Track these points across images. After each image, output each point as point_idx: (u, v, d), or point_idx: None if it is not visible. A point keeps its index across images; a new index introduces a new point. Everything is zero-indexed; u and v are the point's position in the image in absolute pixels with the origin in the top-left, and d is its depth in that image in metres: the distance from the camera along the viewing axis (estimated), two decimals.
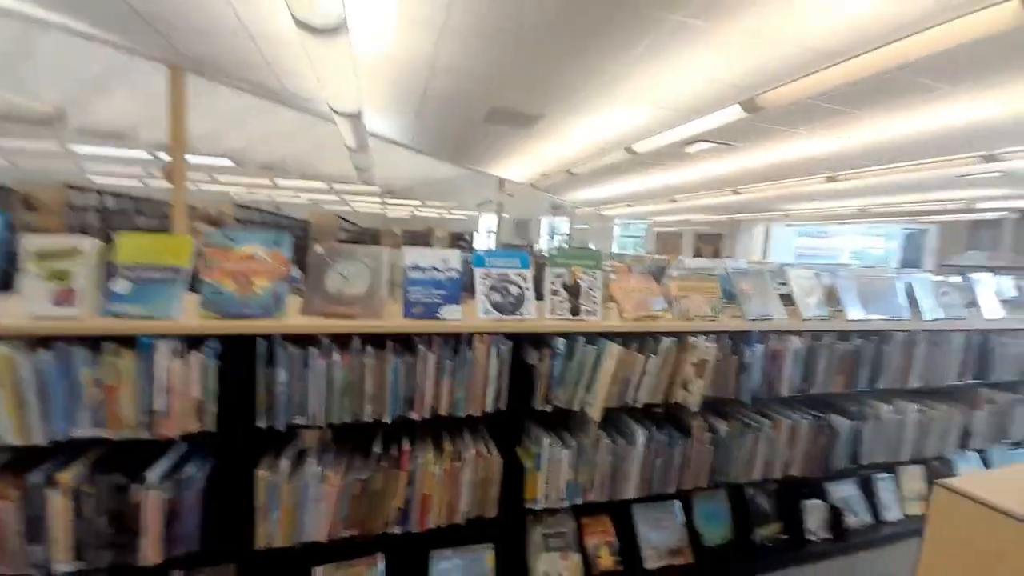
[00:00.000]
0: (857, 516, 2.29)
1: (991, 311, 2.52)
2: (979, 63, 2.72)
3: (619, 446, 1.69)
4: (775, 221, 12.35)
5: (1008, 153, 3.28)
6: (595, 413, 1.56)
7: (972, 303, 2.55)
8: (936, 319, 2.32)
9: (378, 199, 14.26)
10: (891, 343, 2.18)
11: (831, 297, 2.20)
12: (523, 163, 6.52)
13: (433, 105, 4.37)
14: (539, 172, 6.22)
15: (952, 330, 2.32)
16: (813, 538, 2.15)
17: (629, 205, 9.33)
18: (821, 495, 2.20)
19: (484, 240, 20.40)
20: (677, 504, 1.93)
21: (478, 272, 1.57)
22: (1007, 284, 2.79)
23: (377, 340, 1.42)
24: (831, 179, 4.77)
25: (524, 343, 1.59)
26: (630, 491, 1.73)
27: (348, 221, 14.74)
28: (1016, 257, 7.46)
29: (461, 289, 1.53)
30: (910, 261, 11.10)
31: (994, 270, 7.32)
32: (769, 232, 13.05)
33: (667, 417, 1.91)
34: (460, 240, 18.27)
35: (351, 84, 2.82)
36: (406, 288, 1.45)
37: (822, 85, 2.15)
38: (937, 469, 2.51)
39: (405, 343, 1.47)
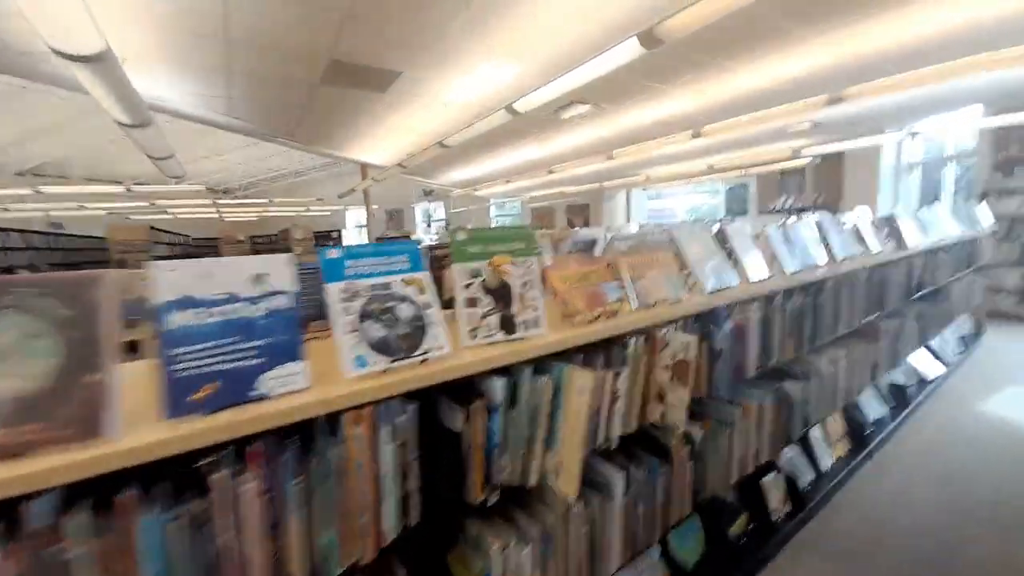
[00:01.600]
0: (803, 477, 2.19)
1: (876, 245, 2.62)
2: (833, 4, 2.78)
3: (595, 508, 1.17)
4: (636, 187, 13.30)
5: (851, 94, 3.59)
6: (568, 486, 0.99)
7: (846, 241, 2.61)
8: (845, 258, 2.28)
9: (208, 201, 11.56)
10: (824, 293, 2.04)
11: (766, 253, 1.97)
12: (386, 140, 5.58)
13: (243, 59, 3.23)
14: (405, 150, 5.35)
15: (857, 269, 2.31)
16: (778, 517, 1.95)
17: (507, 181, 8.96)
18: (774, 467, 2.03)
19: (355, 237, 18.43)
20: (656, 549, 1.50)
21: (333, 290, 0.86)
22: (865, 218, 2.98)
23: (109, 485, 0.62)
24: (696, 135, 4.95)
25: (438, 400, 0.94)
26: (613, 563, 1.23)
27: (169, 232, 11.76)
28: (816, 196, 9.11)
29: (301, 328, 0.81)
30: (735, 211, 12.98)
31: (802, 210, 8.60)
32: (630, 198, 14.07)
33: (637, 439, 1.45)
34: (327, 240, 16.14)
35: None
36: (165, 357, 0.67)
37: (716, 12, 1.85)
38: (849, 407, 2.58)
39: (181, 478, 0.69)
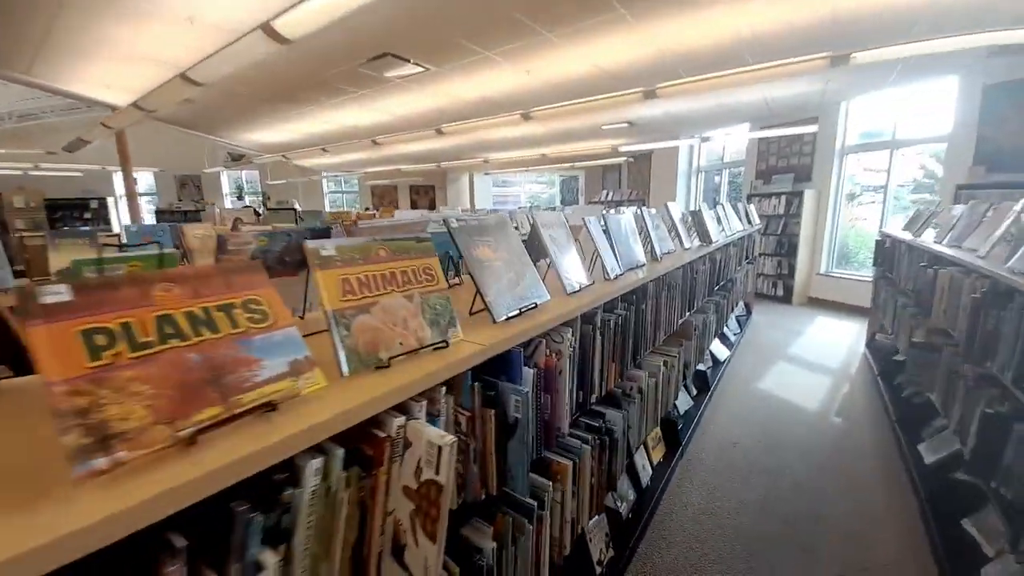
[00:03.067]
0: (626, 504, 1.94)
1: (688, 240, 2.54)
2: None
3: None
4: (477, 171, 13.04)
5: (666, 87, 3.65)
6: None
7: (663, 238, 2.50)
8: (665, 255, 2.09)
9: None
10: (647, 299, 1.75)
11: (586, 251, 1.57)
12: (124, 69, 3.83)
13: None
14: (145, 86, 3.68)
15: (674, 269, 2.14)
16: (602, 558, 1.63)
17: (324, 150, 7.53)
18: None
19: (122, 212, 13.89)
20: None
21: None
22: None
23: None
24: (526, 116, 4.66)
25: None
26: None
27: None
28: (630, 192, 10.18)
29: None
30: (568, 200, 13.95)
31: (619, 203, 9.39)
32: (473, 181, 13.78)
33: None
34: (80, 212, 11.65)
35: None
36: None
37: None
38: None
39: None
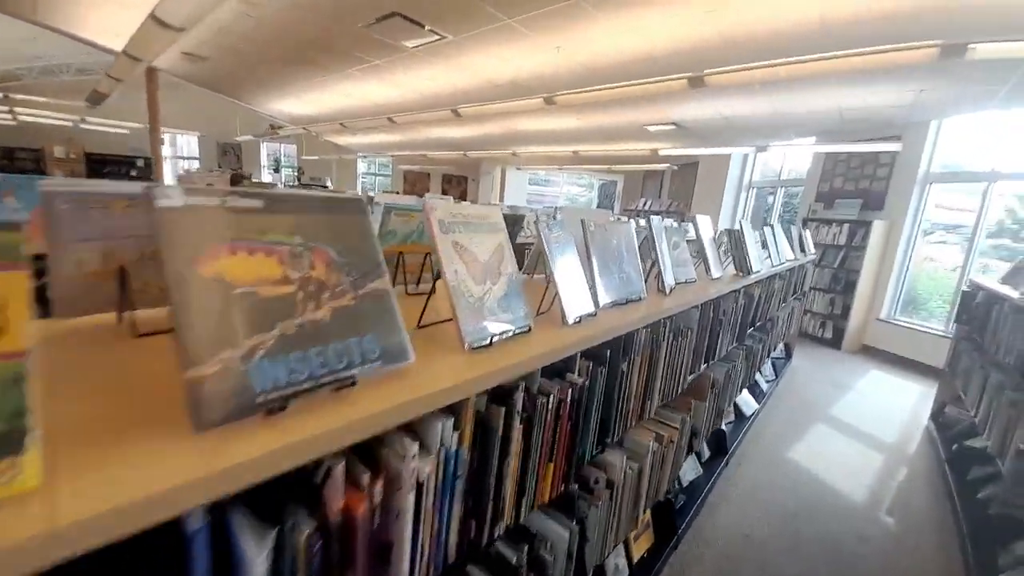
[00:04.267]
0: None
1: (716, 265, 1.92)
2: None
3: None
4: (508, 164, 12.50)
5: (716, 73, 3.00)
6: None
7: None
8: (676, 287, 1.49)
9: None
10: (635, 347, 1.17)
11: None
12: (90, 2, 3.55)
13: None
14: (124, 24, 3.32)
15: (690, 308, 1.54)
16: None
17: (342, 125, 7.21)
18: None
19: (171, 172, 14.24)
20: None
21: None
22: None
23: None
24: (549, 100, 4.08)
25: None
26: None
27: None
28: (671, 202, 9.34)
29: None
30: (604, 205, 13.20)
31: (656, 213, 8.63)
32: (505, 175, 13.25)
33: None
34: (123, 167, 12.02)
35: None
36: None
37: None
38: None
39: None
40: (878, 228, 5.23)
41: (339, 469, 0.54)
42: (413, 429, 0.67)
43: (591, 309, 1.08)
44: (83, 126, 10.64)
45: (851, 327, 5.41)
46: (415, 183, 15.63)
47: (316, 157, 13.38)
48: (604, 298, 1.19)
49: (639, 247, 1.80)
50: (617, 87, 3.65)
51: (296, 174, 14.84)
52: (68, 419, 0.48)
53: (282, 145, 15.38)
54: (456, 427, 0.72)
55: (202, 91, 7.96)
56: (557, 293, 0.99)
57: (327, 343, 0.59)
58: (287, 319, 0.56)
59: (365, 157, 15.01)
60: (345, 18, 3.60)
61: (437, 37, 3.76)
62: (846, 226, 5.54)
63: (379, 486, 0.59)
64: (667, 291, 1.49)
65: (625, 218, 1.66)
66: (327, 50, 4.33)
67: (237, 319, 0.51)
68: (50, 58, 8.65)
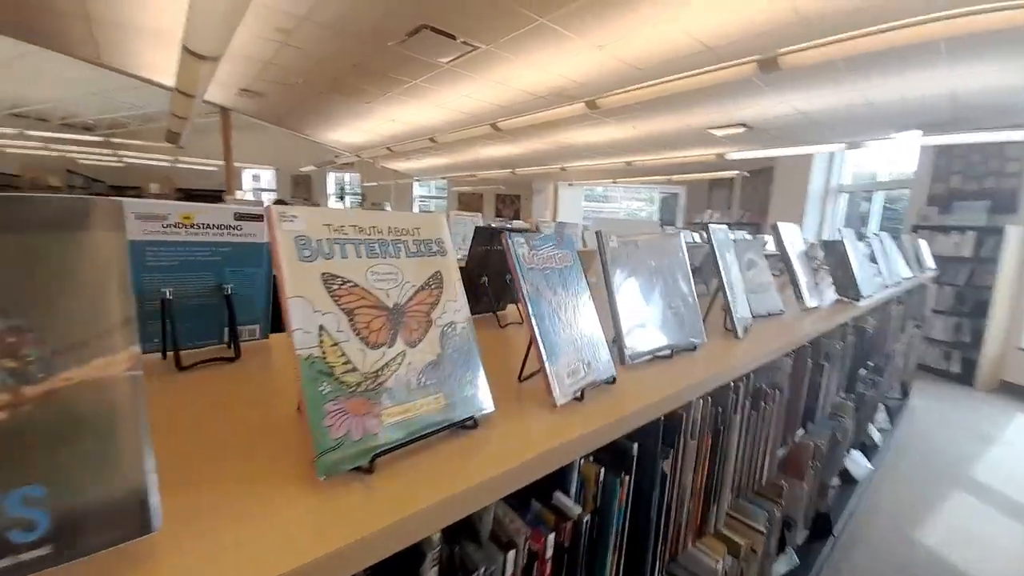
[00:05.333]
0: None
1: (815, 295, 1.40)
2: None
3: None
4: (560, 180, 12.15)
5: (787, 60, 2.46)
6: None
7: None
8: (753, 322, 1.02)
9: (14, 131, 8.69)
10: (684, 432, 0.74)
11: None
12: (139, 40, 3.76)
13: None
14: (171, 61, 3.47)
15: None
16: None
17: (390, 150, 7.31)
18: None
19: (252, 199, 15.67)
20: None
21: None
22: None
23: None
24: (592, 105, 3.69)
25: None
26: None
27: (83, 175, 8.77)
28: (743, 212, 8.38)
29: None
30: (666, 219, 12.36)
31: (729, 225, 7.88)
32: (557, 192, 12.92)
33: None
34: (205, 202, 13.35)
35: None
36: None
37: None
38: None
39: None
40: (1013, 235, 4.16)
41: None
42: None
43: (604, 374, 0.67)
44: (178, 165, 11.98)
45: (985, 358, 4.30)
46: (469, 204, 15.82)
47: (376, 183, 13.99)
48: (635, 348, 0.77)
49: (696, 269, 1.34)
50: (673, 79, 3.17)
51: (360, 200, 15.66)
52: None
53: (347, 174, 16.33)
54: None
55: (272, 127, 8.54)
56: (540, 350, 0.60)
57: None
58: None
59: (420, 180, 15.45)
60: (376, 38, 3.51)
61: (470, 48, 3.56)
62: (971, 234, 4.49)
63: None
64: (739, 332, 1.02)
65: (670, 229, 1.22)
66: (366, 74, 4.32)
67: None
68: (147, 105, 9.79)
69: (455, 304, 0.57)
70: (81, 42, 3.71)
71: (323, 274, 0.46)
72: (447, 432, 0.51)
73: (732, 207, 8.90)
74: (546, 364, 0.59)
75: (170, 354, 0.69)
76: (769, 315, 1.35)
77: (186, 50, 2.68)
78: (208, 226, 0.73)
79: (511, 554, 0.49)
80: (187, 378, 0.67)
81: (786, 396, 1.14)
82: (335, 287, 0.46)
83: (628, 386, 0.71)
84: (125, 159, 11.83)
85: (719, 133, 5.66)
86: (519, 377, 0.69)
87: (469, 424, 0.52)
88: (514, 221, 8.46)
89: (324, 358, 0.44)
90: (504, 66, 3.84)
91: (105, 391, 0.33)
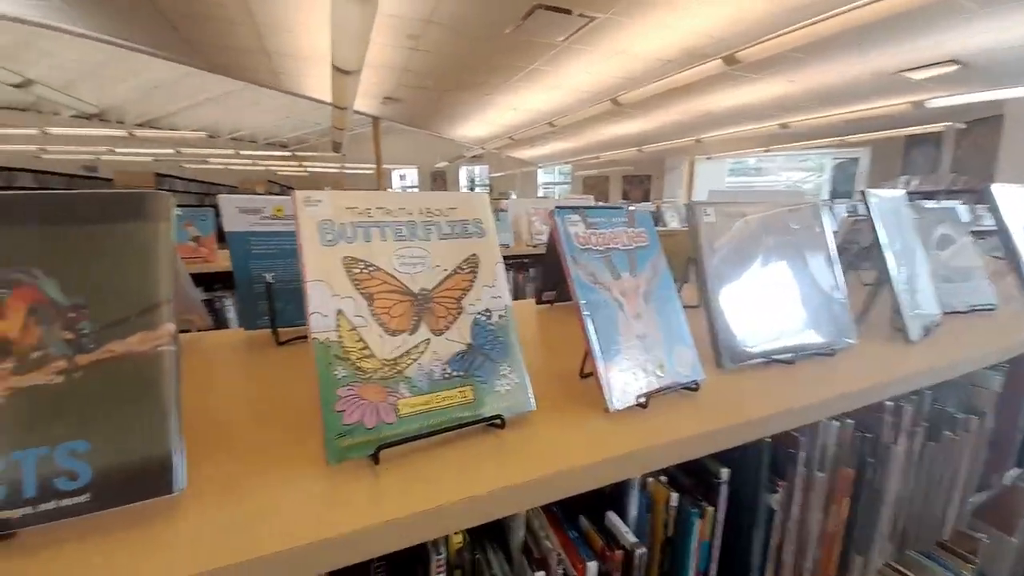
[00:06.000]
0: None
1: None
2: None
3: None
4: (696, 155, 10.90)
5: None
6: None
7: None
8: None
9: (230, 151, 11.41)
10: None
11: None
12: (306, 65, 4.43)
13: None
14: (324, 78, 4.03)
15: None
16: None
17: (512, 139, 7.45)
18: None
19: None
20: None
21: None
22: None
23: None
24: (730, 60, 3.14)
25: None
26: None
27: (178, 178, 11.75)
28: (955, 177, 6.38)
29: None
30: (841, 192, 10.14)
31: (932, 195, 6.07)
32: (693, 169, 11.63)
33: None
34: None
35: None
36: None
37: None
38: None
39: None
40: None
41: None
42: None
43: (683, 378, 0.55)
44: (344, 171, 14.20)
45: None
46: (594, 187, 15.38)
47: (502, 173, 14.55)
48: (735, 349, 0.62)
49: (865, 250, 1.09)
50: (847, 10, 2.51)
51: (488, 191, 16.53)
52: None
53: (476, 167, 17.35)
54: None
55: (415, 130, 9.52)
56: (590, 346, 0.51)
57: None
58: None
59: (543, 167, 15.55)
60: (493, 28, 3.57)
61: (587, 20, 3.37)
62: None
63: None
64: (913, 333, 0.76)
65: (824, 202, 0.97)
66: (487, 66, 4.45)
67: None
68: (323, 122, 11.74)
69: (492, 290, 0.51)
70: (267, 73, 4.62)
71: (344, 258, 0.45)
72: (473, 429, 0.46)
73: (939, 170, 6.87)
74: (598, 362, 0.50)
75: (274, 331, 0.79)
76: (972, 311, 0.99)
77: (334, 67, 3.10)
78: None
79: (540, 574, 0.43)
80: (283, 352, 0.75)
81: (989, 424, 0.81)
82: (356, 271, 0.45)
83: (717, 396, 0.57)
84: (308, 169, 14.50)
85: (917, 76, 4.39)
86: (580, 373, 0.60)
87: (498, 423, 0.47)
88: (641, 204, 7.96)
89: (340, 342, 0.43)
90: (624, 33, 3.56)
91: (142, 363, 0.37)
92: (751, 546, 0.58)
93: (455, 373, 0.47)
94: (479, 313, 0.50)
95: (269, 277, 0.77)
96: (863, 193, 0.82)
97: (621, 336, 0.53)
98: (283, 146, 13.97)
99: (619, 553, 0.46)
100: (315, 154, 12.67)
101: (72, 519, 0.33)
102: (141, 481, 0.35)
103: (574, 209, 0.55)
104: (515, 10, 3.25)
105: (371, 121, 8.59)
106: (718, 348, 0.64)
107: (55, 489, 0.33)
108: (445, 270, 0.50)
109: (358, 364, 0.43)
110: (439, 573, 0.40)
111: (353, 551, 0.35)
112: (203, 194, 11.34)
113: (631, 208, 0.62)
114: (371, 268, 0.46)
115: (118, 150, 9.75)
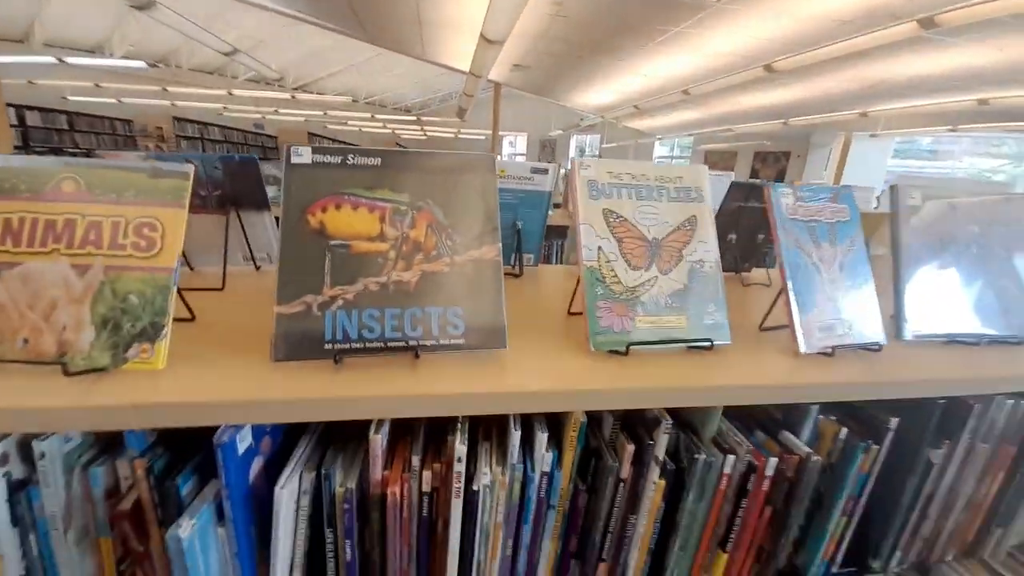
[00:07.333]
0: None
1: None
2: None
3: None
4: (857, 131, 9.31)
5: None
6: None
7: None
8: None
9: (368, 115, 12.59)
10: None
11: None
12: (452, 34, 4.67)
13: None
14: (467, 47, 4.23)
15: None
16: None
17: (636, 108, 7.11)
18: None
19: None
20: None
21: None
22: None
23: None
24: (927, 23, 2.64)
25: None
26: None
27: (326, 139, 13.18)
28: None
29: None
30: None
31: None
32: (848, 146, 9.98)
33: None
34: None
35: None
36: None
37: None
38: None
39: None
40: None
41: (377, 437, 0.49)
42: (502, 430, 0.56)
43: (867, 338, 0.63)
44: (460, 136, 14.83)
45: None
46: (717, 164, 14.09)
47: (615, 144, 14.01)
48: (918, 325, 0.68)
49: None
50: None
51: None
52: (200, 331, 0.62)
53: (587, 136, 16.89)
54: (555, 445, 0.55)
55: (528, 97, 9.59)
56: (788, 294, 0.61)
57: (406, 307, 0.54)
58: (372, 276, 0.54)
59: (661, 139, 14.57)
60: None
61: None
62: None
63: (427, 477, 0.51)
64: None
65: None
66: (627, 30, 4.31)
67: (326, 268, 0.53)
68: (445, 88, 12.33)
69: (706, 245, 0.64)
70: (412, 42, 5.02)
71: (604, 210, 0.61)
72: (687, 347, 0.61)
73: None
74: (793, 309, 0.61)
75: None
76: None
77: (482, 37, 3.30)
78: (513, 177, 1.00)
79: (731, 458, 0.57)
80: (525, 279, 0.97)
81: None
82: (611, 220, 0.61)
83: (895, 358, 0.64)
84: (428, 133, 15.44)
85: None
86: (760, 327, 0.71)
87: (705, 345, 0.61)
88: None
89: (599, 270, 0.60)
90: None
91: (487, 265, 0.58)
92: (904, 490, 0.65)
93: (675, 304, 0.62)
94: (695, 261, 0.63)
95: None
96: None
97: (816, 294, 0.63)
98: (407, 111, 15.06)
99: (795, 458, 0.59)
100: (436, 119, 13.40)
101: (454, 351, 0.55)
102: (489, 336, 0.56)
103: (789, 185, 0.64)
104: None
105: (491, 87, 8.85)
106: (901, 320, 0.70)
107: (448, 332, 0.55)
108: (671, 225, 0.64)
109: (610, 287, 0.60)
110: (665, 436, 0.56)
111: (604, 402, 0.52)
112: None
113: (837, 187, 0.69)
114: (621, 219, 0.62)
115: (281, 111, 11.42)
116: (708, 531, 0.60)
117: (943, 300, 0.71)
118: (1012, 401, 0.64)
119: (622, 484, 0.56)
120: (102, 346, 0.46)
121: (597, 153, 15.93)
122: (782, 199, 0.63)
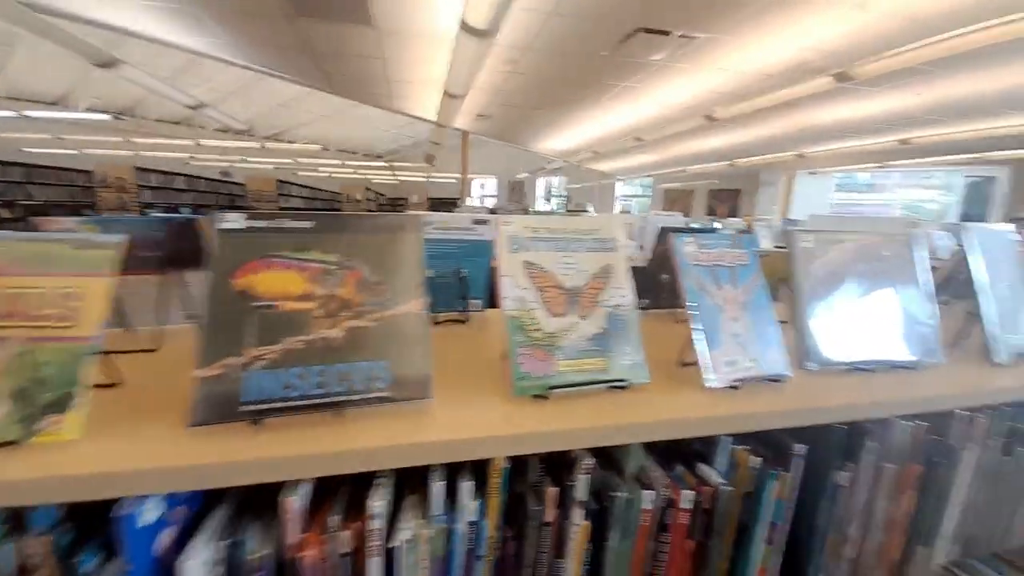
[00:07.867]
0: None
1: None
2: None
3: None
4: (796, 169, 10.11)
5: None
6: None
7: None
8: None
9: (338, 162, 12.80)
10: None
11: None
12: (410, 87, 4.93)
13: None
14: (432, 100, 4.48)
15: None
16: None
17: (595, 152, 7.53)
18: None
19: (478, 204, 18.68)
20: None
21: None
22: None
23: None
24: (843, 76, 3.00)
25: None
26: None
27: (295, 185, 13.30)
28: None
29: None
30: (972, 215, 8.84)
31: None
32: (792, 184, 10.81)
33: None
34: (448, 208, 16.71)
35: None
36: None
37: None
38: None
39: None
40: None
41: (291, 499, 0.50)
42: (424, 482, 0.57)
43: (770, 371, 0.69)
44: (431, 180, 15.19)
45: None
46: (675, 201, 14.86)
47: (580, 185, 14.63)
48: (820, 355, 0.74)
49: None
50: (994, 26, 2.34)
51: (565, 201, 16.66)
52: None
53: (554, 178, 17.59)
54: (482, 494, 0.56)
55: (495, 142, 10.03)
56: (694, 333, 0.67)
57: (332, 363, 0.56)
58: (298, 334, 0.56)
59: (623, 180, 15.34)
60: (590, 52, 3.76)
61: (687, 40, 3.44)
62: None
63: (345, 537, 0.51)
64: (997, 356, 0.81)
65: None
66: (579, 87, 4.66)
67: (247, 330, 0.55)
68: (415, 136, 12.70)
69: (621, 292, 0.70)
70: (381, 95, 5.23)
71: (523, 262, 0.66)
72: (605, 387, 0.65)
73: None
74: (699, 347, 0.66)
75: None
76: None
77: (446, 92, 3.49)
78: (455, 228, 1.06)
79: (648, 493, 0.60)
80: (437, 330, 1.00)
81: None
82: (532, 271, 0.66)
83: (799, 388, 0.69)
84: (399, 177, 15.75)
85: None
86: (679, 363, 0.76)
87: (622, 385, 0.65)
88: (727, 220, 7.63)
89: (520, 319, 0.64)
90: (725, 51, 3.57)
91: (414, 318, 0.61)
92: (817, 514, 0.69)
93: (593, 348, 0.66)
94: (612, 307, 0.69)
95: (430, 273, 1.02)
96: (959, 227, 0.88)
97: (720, 333, 0.68)
98: (378, 157, 15.39)
99: (710, 489, 0.62)
100: (407, 164, 13.70)
101: (378, 405, 0.57)
102: (415, 387, 0.58)
103: (689, 231, 0.72)
104: (615, 34, 3.41)
105: (459, 135, 9.22)
106: (803, 352, 0.76)
107: (373, 386, 0.57)
108: (589, 274, 0.69)
109: (531, 334, 0.64)
110: (584, 475, 0.58)
111: (525, 446, 0.55)
112: (311, 198, 12.92)
113: (735, 232, 0.77)
114: (540, 269, 0.67)
115: (248, 159, 11.48)
116: (636, 570, 0.62)
117: (841, 331, 0.78)
118: (911, 423, 0.71)
119: (547, 528, 0.58)
120: (12, 418, 0.46)
121: (565, 193, 16.57)
122: (685, 247, 0.70)
